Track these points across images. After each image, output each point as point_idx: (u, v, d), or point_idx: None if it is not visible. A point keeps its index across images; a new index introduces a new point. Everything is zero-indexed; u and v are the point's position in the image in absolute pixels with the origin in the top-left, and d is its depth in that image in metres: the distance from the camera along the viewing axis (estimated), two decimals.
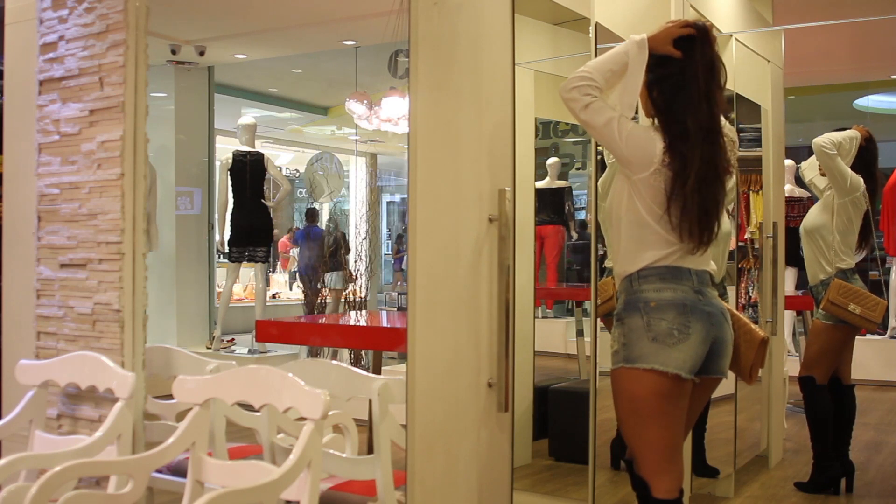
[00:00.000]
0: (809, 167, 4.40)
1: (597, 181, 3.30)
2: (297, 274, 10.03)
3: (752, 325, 2.50)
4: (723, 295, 3.95)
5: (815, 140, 3.93)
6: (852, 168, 3.98)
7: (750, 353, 2.47)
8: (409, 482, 2.22)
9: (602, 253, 3.32)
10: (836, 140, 3.90)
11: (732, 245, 4.15)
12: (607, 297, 3.16)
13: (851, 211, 3.97)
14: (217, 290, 7.70)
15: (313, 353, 6.21)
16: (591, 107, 2.27)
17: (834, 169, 3.91)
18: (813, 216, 4.12)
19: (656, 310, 2.28)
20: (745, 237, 6.09)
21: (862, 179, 3.99)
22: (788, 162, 5.84)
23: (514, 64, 2.63)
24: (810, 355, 4.11)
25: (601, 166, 3.42)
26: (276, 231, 8.41)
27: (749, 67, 4.45)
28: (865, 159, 4.04)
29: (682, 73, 2.30)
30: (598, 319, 3.31)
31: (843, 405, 4.09)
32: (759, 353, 2.48)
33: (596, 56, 3.08)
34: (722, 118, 2.37)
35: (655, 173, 2.27)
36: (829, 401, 4.06)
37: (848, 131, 3.99)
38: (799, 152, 4.43)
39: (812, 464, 4.11)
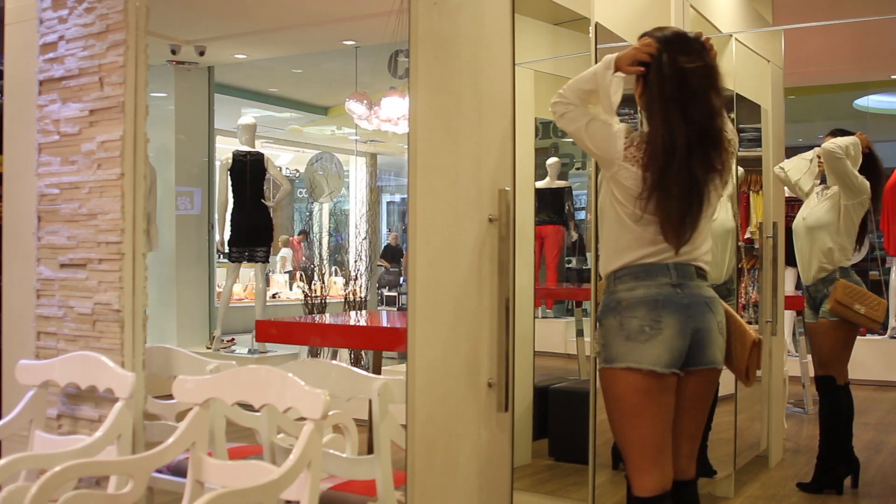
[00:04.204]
0: (795, 169, 4.38)
1: (597, 181, 3.29)
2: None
3: (747, 326, 2.51)
4: (728, 296, 3.95)
5: (824, 146, 4.02)
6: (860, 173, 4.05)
7: (744, 354, 2.47)
8: (409, 482, 2.22)
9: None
10: (844, 145, 3.98)
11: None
12: None
13: (854, 213, 4.05)
14: (217, 290, 7.70)
15: (313, 353, 6.21)
16: (566, 116, 2.42)
17: (843, 172, 3.98)
18: (818, 214, 4.12)
19: (627, 308, 2.33)
20: (746, 237, 6.09)
21: (868, 183, 4.05)
22: None
23: (514, 64, 2.63)
24: (823, 355, 4.12)
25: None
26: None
27: (749, 67, 4.44)
28: (869, 165, 4.11)
29: (653, 82, 2.37)
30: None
31: (841, 403, 4.11)
32: (754, 355, 2.48)
33: (596, 56, 3.11)
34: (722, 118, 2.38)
35: (621, 169, 2.34)
36: (848, 401, 4.08)
37: (850, 137, 4.05)
38: (799, 152, 4.41)
39: (816, 463, 4.11)
